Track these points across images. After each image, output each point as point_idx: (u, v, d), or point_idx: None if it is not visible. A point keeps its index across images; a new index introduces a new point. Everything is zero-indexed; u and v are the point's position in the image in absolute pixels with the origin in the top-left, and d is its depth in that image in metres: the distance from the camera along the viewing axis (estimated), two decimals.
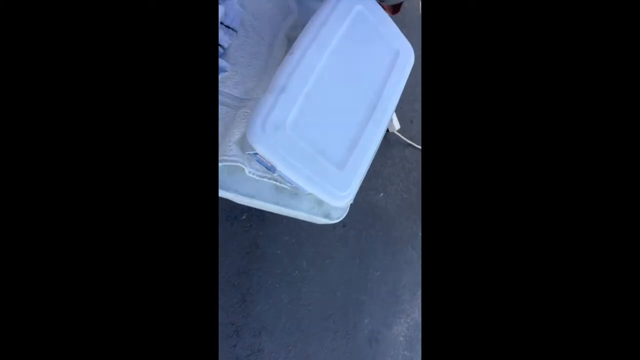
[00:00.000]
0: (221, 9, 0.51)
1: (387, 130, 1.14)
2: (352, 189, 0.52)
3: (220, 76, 0.52)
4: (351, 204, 1.08)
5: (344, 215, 0.61)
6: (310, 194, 0.53)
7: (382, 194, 1.16)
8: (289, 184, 0.54)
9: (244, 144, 0.51)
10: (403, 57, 0.58)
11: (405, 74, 0.58)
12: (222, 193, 0.54)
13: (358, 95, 0.52)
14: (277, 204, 0.56)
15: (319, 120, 0.49)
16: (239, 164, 0.51)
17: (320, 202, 0.58)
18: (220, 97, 0.53)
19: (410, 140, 1.20)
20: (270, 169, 0.48)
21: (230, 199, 0.56)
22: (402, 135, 1.17)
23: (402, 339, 1.15)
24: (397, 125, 1.13)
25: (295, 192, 0.56)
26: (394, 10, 0.67)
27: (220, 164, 0.51)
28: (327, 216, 0.60)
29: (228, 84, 0.53)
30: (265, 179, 0.54)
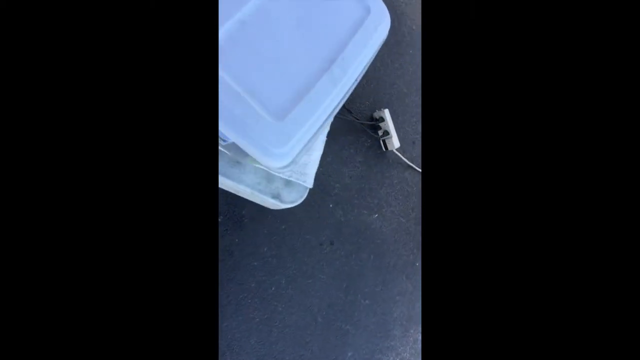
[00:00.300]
0: None
1: (386, 148, 1.09)
2: (291, 149, 0.43)
3: None
4: (341, 220, 1.01)
5: (299, 201, 0.54)
6: (256, 163, 0.46)
7: (376, 215, 1.08)
8: (223, 141, 0.46)
9: None
10: (374, 16, 0.52)
11: (376, 37, 0.51)
12: None
13: (311, 43, 0.46)
14: None
15: (253, 57, 0.42)
16: None
17: (268, 178, 0.51)
18: None
19: (411, 161, 1.14)
20: None
21: None
22: (403, 155, 1.11)
23: None
24: (396, 143, 1.07)
25: (237, 160, 0.49)
26: None
27: None
28: (276, 197, 0.52)
29: None
30: None
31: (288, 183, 0.52)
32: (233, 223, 0.81)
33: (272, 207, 0.55)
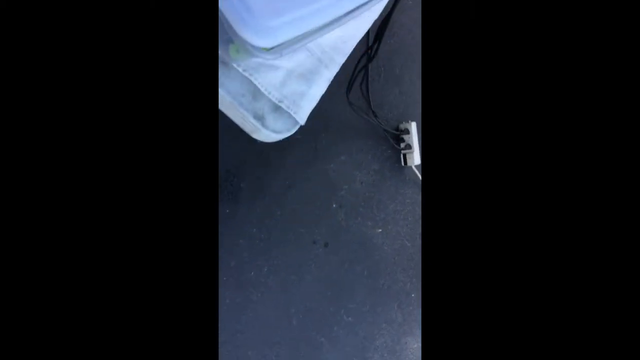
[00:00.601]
0: None
1: (405, 163, 1.03)
2: (281, 28, 0.37)
3: None
4: (342, 224, 0.94)
5: (284, 134, 0.47)
6: (239, 54, 0.40)
7: (380, 230, 1.01)
8: None
9: None
10: None
11: None
12: None
13: None
14: None
15: None
16: None
17: (255, 94, 0.45)
18: None
19: None
20: None
21: None
22: (421, 174, 1.05)
23: None
24: (417, 159, 1.01)
25: (222, 60, 0.44)
26: None
27: None
28: (259, 118, 0.45)
29: None
30: None
31: (276, 108, 0.47)
32: (228, 193, 0.77)
33: (251, 133, 0.49)
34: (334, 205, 0.93)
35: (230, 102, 0.45)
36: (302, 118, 0.47)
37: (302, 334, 0.86)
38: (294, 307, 0.85)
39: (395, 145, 1.02)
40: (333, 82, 0.74)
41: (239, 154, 0.79)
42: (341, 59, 0.49)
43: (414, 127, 1.02)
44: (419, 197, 1.08)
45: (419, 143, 1.02)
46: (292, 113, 0.46)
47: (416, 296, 1.09)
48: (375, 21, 0.54)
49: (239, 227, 0.78)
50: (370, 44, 0.62)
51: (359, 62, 0.70)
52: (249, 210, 0.80)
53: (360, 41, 0.52)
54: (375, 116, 0.99)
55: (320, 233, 0.90)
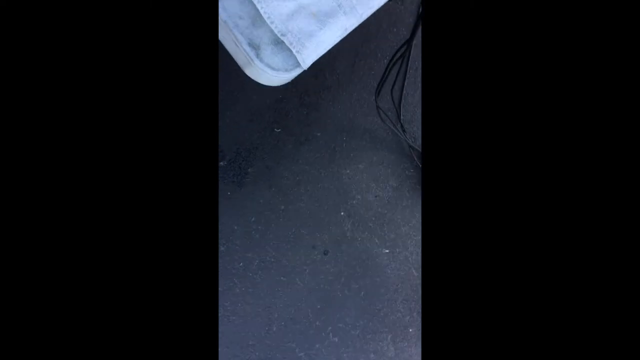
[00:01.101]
0: None
1: None
2: None
3: None
4: (347, 235, 0.88)
5: (281, 74, 0.40)
6: None
7: (387, 251, 0.94)
8: None
9: None
10: None
11: None
12: None
13: None
14: None
15: None
16: None
17: (255, 20, 0.37)
18: None
19: None
20: None
21: None
22: None
23: None
24: None
25: None
26: None
27: None
28: (254, 47, 0.38)
29: None
30: None
31: (277, 42, 0.41)
32: (234, 175, 0.74)
33: (243, 67, 0.44)
34: (342, 213, 0.87)
35: (224, 22, 0.40)
36: (304, 60, 0.41)
37: (280, 343, 0.79)
38: (278, 312, 0.79)
39: (420, 166, 0.96)
40: (364, 88, 0.70)
41: (253, 137, 0.76)
42: (363, 11, 0.43)
43: None
44: None
45: None
46: (294, 51, 0.41)
47: (414, 332, 0.99)
48: (413, 14, 0.49)
49: (237, 213, 0.74)
50: (408, 39, 0.58)
51: (393, 57, 0.65)
52: (251, 198, 0.76)
53: (398, 34, 0.48)
54: (404, 131, 0.93)
55: (322, 239, 0.84)
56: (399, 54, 0.67)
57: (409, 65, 0.83)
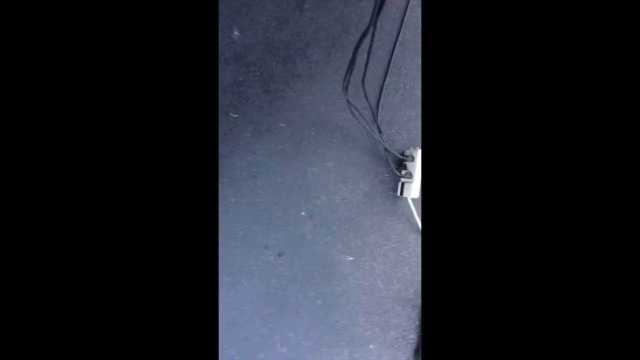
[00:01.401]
0: None
1: (402, 193, 0.89)
2: None
3: None
4: (306, 237, 0.81)
5: None
6: None
7: (351, 259, 0.87)
8: None
9: None
10: None
11: None
12: None
13: None
14: None
15: None
16: None
17: None
18: None
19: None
20: None
21: None
22: (416, 212, 0.90)
23: None
24: (415, 193, 0.87)
25: None
26: None
27: None
28: None
29: None
30: None
31: None
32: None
33: None
34: (303, 214, 0.81)
35: None
36: None
37: (219, 347, 0.72)
38: (220, 312, 0.73)
39: (396, 171, 0.89)
40: (340, 81, 0.63)
41: None
42: None
43: (419, 155, 0.88)
44: (410, 237, 0.93)
45: (421, 174, 0.89)
46: None
47: (375, 349, 0.92)
48: None
49: (224, 200, 0.68)
50: (372, 18, 0.51)
51: (356, 47, 0.59)
52: (232, 169, 0.70)
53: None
54: (380, 132, 0.87)
55: (277, 239, 0.78)
56: (362, 44, 0.61)
57: (370, 54, 0.76)
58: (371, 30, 0.53)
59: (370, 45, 0.64)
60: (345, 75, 0.61)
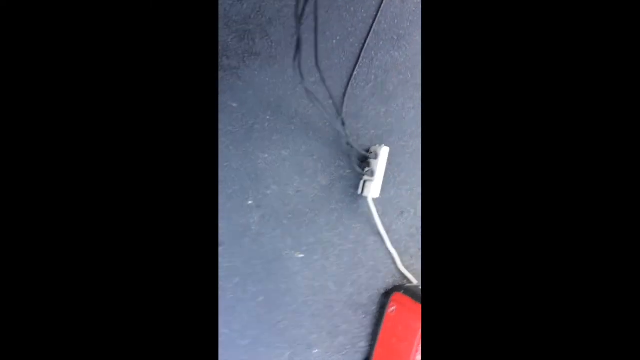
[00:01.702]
0: None
1: (362, 192, 0.84)
2: None
3: None
4: (252, 228, 0.76)
5: None
6: None
7: (301, 256, 0.82)
8: None
9: None
10: None
11: None
12: None
13: None
14: None
15: None
16: None
17: None
18: None
19: (386, 231, 0.87)
20: None
21: None
22: (377, 213, 0.85)
23: None
24: (375, 192, 0.82)
25: None
26: None
27: None
28: None
29: None
30: None
31: None
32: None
33: None
34: (250, 202, 0.75)
35: None
36: None
37: None
38: None
39: (357, 167, 0.84)
40: (304, 66, 0.60)
41: None
42: None
43: (385, 153, 0.83)
44: (368, 238, 0.88)
45: (383, 174, 0.84)
46: None
47: (320, 354, 0.87)
48: None
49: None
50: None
51: (300, 13, 0.54)
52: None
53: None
54: (343, 124, 0.82)
55: (218, 227, 0.72)
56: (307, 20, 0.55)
57: (318, 33, 0.71)
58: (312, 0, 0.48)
59: (316, 21, 0.59)
60: (295, 55, 0.56)
